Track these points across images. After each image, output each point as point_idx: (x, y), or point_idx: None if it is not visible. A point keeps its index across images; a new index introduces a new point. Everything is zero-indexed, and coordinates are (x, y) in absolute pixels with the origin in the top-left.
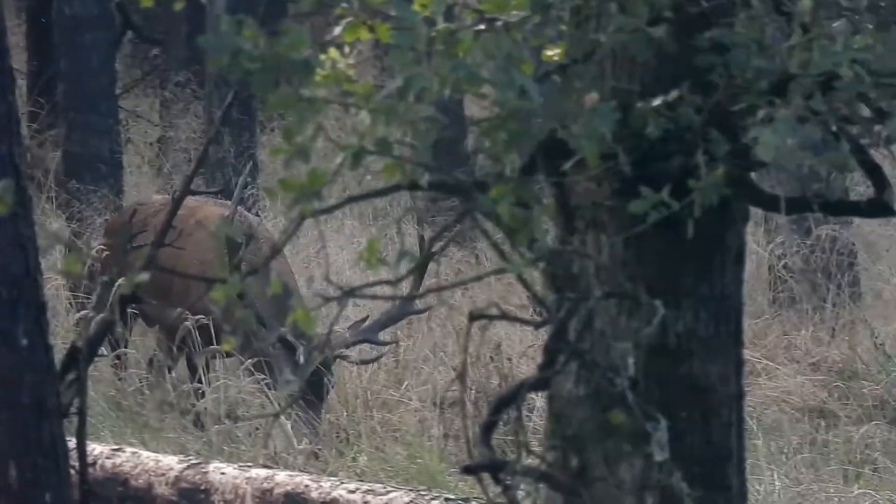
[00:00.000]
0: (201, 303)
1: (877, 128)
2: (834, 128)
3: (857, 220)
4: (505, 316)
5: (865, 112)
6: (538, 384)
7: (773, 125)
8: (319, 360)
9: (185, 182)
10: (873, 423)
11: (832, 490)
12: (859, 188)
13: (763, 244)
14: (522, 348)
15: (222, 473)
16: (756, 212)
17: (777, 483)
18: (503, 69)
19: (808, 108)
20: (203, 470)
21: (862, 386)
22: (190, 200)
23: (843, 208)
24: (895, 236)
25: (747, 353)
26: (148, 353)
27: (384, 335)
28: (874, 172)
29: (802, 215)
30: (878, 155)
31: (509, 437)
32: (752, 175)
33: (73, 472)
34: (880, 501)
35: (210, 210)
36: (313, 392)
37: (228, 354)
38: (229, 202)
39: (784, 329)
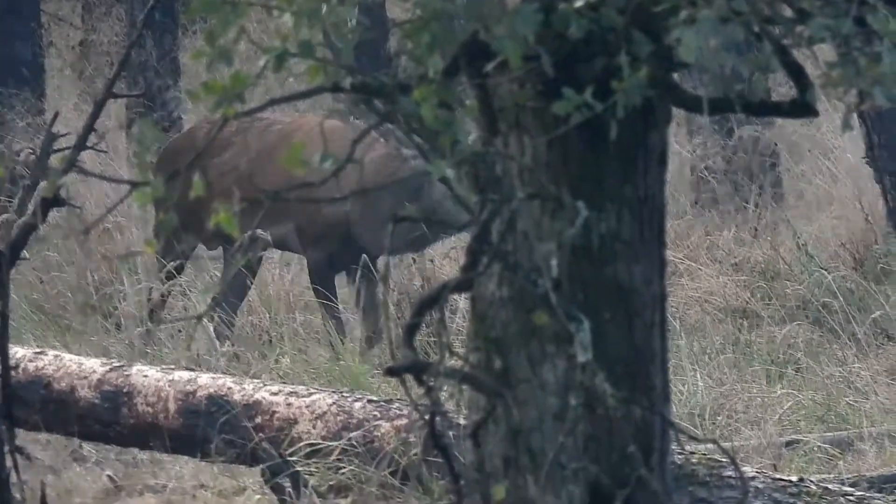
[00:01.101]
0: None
1: (799, 28)
2: (756, 28)
3: (779, 121)
4: (427, 218)
5: (788, 12)
6: (461, 285)
7: (695, 26)
8: (242, 262)
9: (106, 86)
10: (796, 323)
11: (755, 390)
12: (781, 89)
13: (685, 145)
14: (445, 249)
15: (145, 376)
16: (678, 113)
17: (700, 383)
18: None
19: (730, 9)
20: (126, 373)
21: (784, 286)
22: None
23: (765, 109)
24: (817, 137)
25: (670, 254)
26: (72, 257)
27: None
28: (797, 73)
29: (724, 116)
30: (801, 55)
31: (432, 339)
32: (675, 76)
33: None
34: (803, 401)
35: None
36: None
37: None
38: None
39: (706, 230)
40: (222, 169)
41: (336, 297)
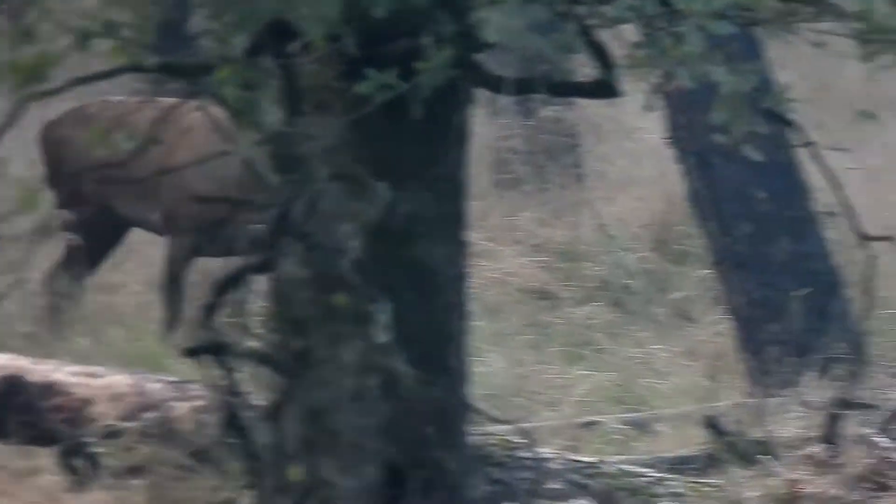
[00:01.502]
0: None
1: (603, 8)
2: (560, 8)
3: (581, 102)
4: (226, 198)
5: None
6: (262, 266)
7: (499, 6)
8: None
9: None
10: (595, 304)
11: (553, 371)
12: (584, 69)
13: (487, 125)
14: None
15: None
16: (480, 93)
17: (498, 364)
18: None
19: None
20: None
21: (584, 267)
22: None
23: (568, 89)
24: (619, 117)
25: (470, 235)
26: None
27: None
28: (600, 53)
29: (526, 96)
30: (605, 35)
31: (231, 320)
32: (478, 56)
33: None
34: (601, 382)
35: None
36: None
37: None
38: None
39: (507, 210)
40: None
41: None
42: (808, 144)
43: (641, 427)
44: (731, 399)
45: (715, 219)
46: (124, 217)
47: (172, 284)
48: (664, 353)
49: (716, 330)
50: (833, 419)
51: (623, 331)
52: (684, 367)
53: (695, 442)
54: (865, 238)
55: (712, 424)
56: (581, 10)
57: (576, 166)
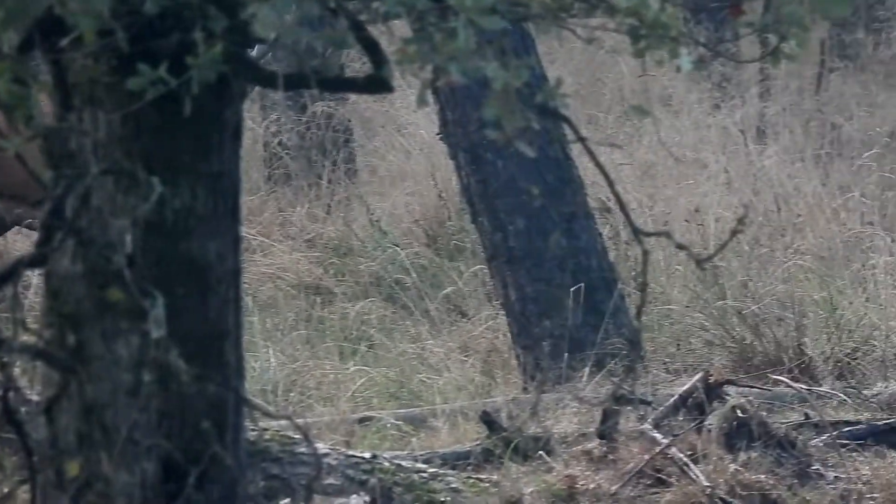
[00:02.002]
0: None
1: (375, 4)
2: (332, 4)
3: (353, 97)
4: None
5: None
6: (35, 261)
7: (271, 1)
8: None
9: None
10: (369, 299)
11: (328, 367)
12: (355, 64)
13: (259, 121)
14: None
15: None
16: (253, 88)
17: (273, 359)
18: None
19: None
20: None
21: (358, 262)
22: None
23: (340, 85)
24: (391, 113)
25: (244, 230)
26: None
27: None
28: (372, 49)
29: (299, 92)
30: (376, 31)
31: (5, 315)
32: (250, 51)
33: None
34: (376, 378)
35: None
36: None
37: None
38: None
39: (280, 206)
40: None
41: None
42: (580, 140)
43: (417, 422)
44: (507, 394)
45: (488, 214)
46: None
47: None
48: (439, 349)
49: (490, 325)
50: (609, 415)
51: (397, 326)
52: (459, 362)
53: (471, 437)
54: (639, 234)
55: (488, 420)
56: (352, 5)
57: (348, 161)
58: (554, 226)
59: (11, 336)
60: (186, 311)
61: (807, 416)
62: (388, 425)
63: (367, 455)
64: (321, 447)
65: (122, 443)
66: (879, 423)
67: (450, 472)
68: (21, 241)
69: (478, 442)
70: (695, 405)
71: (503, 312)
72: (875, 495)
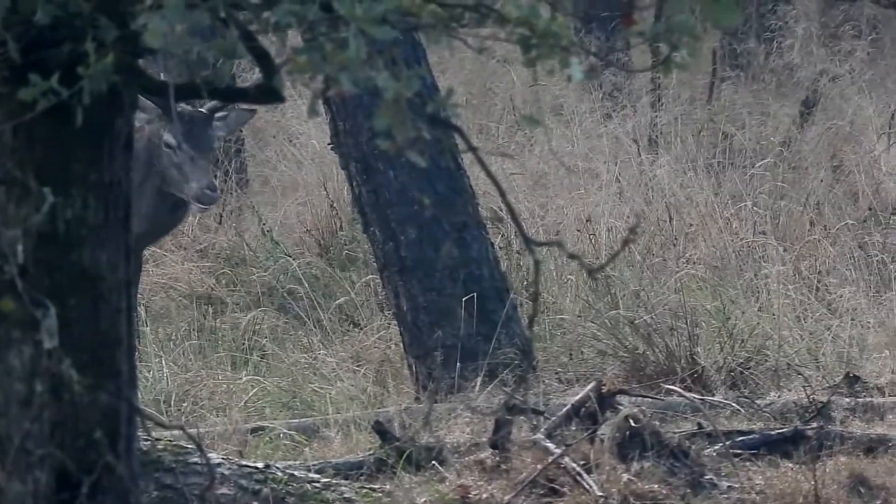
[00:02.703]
0: None
1: (266, 13)
2: (223, 13)
3: (243, 106)
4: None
5: None
6: None
7: (161, 11)
8: None
9: None
10: (261, 309)
11: (220, 376)
12: (246, 75)
13: None
14: None
15: None
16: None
17: (165, 369)
18: None
19: None
20: None
21: (250, 272)
22: None
23: (232, 95)
24: (282, 123)
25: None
26: None
27: None
28: (263, 59)
29: (189, 102)
30: (267, 41)
31: None
32: (141, 62)
33: None
34: (268, 387)
35: None
36: None
37: None
38: None
39: None
40: None
41: None
42: (472, 150)
43: (310, 432)
44: (399, 404)
45: (379, 224)
46: None
47: None
48: (331, 359)
49: (382, 335)
50: (502, 424)
51: (289, 336)
52: (351, 372)
53: (363, 447)
54: (531, 243)
55: (380, 430)
56: (243, 15)
57: (239, 171)
58: (445, 236)
59: None
60: (78, 321)
61: (700, 426)
62: (281, 435)
63: (260, 465)
64: (214, 457)
65: (14, 452)
66: (772, 432)
67: (342, 481)
68: None
69: (370, 452)
70: (587, 415)
71: (395, 322)
72: None
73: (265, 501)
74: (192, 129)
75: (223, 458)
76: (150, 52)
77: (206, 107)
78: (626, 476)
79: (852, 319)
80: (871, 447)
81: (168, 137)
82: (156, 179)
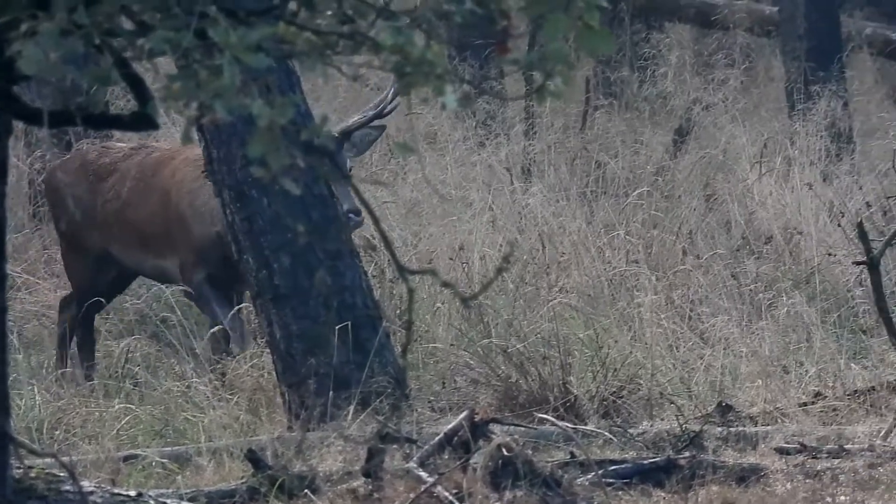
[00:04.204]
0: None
1: (140, 41)
2: (97, 41)
3: (118, 134)
4: None
5: (129, 25)
6: None
7: (36, 38)
8: None
9: None
10: (134, 337)
11: (93, 404)
12: (120, 102)
13: (24, 158)
14: None
15: None
16: (17, 125)
17: (38, 397)
18: None
19: (71, 21)
20: None
21: (123, 300)
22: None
23: (105, 121)
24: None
25: (9, 268)
26: None
27: None
28: (137, 86)
29: (63, 129)
30: (142, 68)
31: None
32: (15, 88)
33: None
34: (141, 415)
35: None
36: None
37: None
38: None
39: (44, 243)
40: (107, 196)
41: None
42: (346, 177)
43: (182, 460)
44: (272, 433)
45: (253, 252)
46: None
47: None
48: (204, 387)
49: (255, 363)
50: (374, 453)
51: (162, 364)
52: (224, 400)
53: (236, 476)
54: (405, 271)
55: (253, 458)
56: (117, 42)
57: None
58: (319, 263)
59: None
60: None
61: (572, 455)
62: (154, 463)
63: (133, 493)
64: (86, 485)
65: None
66: (645, 461)
67: None
68: None
69: (243, 480)
70: (460, 443)
71: (268, 350)
72: None
73: None
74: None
75: (95, 487)
76: (24, 79)
77: (336, 129)
78: None
79: (725, 349)
80: (744, 476)
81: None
82: None
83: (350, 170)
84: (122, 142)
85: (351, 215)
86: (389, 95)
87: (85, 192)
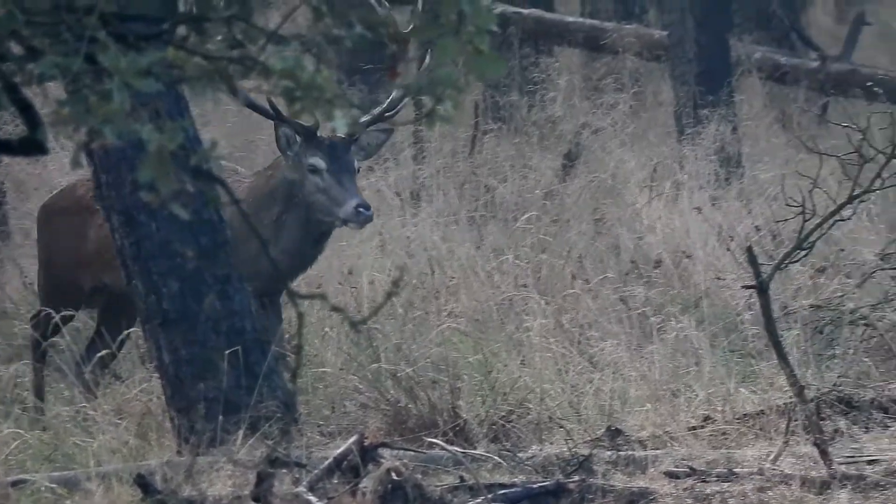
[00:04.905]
0: None
1: (30, 66)
2: None
3: (6, 159)
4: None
5: (18, 50)
6: None
7: None
8: None
9: None
10: (23, 361)
11: None
12: (8, 127)
13: None
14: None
15: None
16: None
17: None
18: None
19: None
20: None
21: (11, 325)
22: None
23: None
24: (44, 175)
25: None
26: None
27: None
28: (26, 110)
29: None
30: (31, 92)
31: None
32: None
33: None
34: (29, 440)
35: None
36: None
37: None
38: None
39: None
40: (102, 231)
41: None
42: (235, 202)
43: (71, 485)
44: (161, 457)
45: (142, 276)
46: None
47: None
48: (93, 412)
49: (145, 388)
50: (264, 477)
51: (51, 389)
52: (113, 425)
53: (125, 500)
54: (294, 296)
55: (143, 483)
56: (6, 66)
57: (1, 224)
58: (208, 288)
59: None
60: None
61: (462, 479)
62: (43, 488)
63: None
64: None
65: None
66: (535, 485)
67: None
68: None
69: None
70: (350, 468)
71: (157, 375)
72: None
73: None
74: (335, 153)
75: None
76: None
77: (343, 132)
78: None
79: (614, 372)
80: (633, 500)
81: (314, 161)
82: (299, 211)
83: (358, 171)
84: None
85: (361, 209)
86: (396, 97)
87: (79, 226)
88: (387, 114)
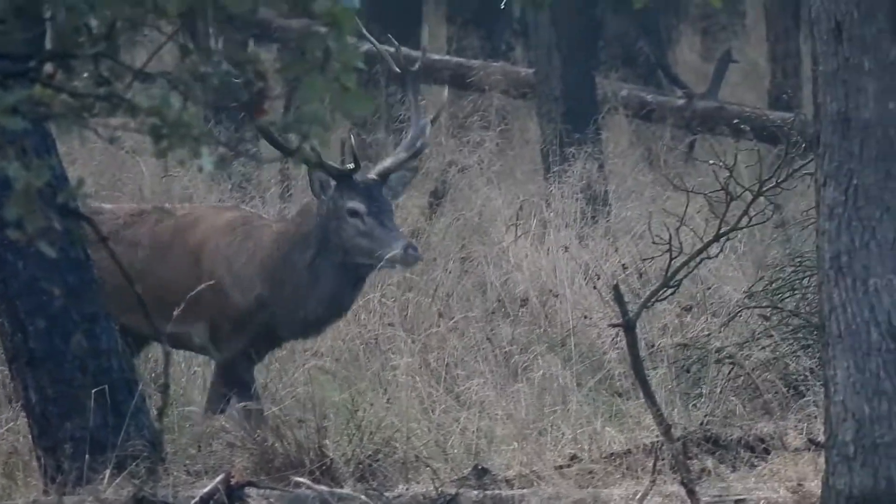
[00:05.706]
0: None
1: None
2: None
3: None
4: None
5: None
6: None
7: None
8: None
9: None
10: None
11: None
12: None
13: None
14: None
15: None
16: None
17: None
18: None
19: None
20: None
21: None
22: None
23: None
24: None
25: None
26: None
27: None
28: None
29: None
30: None
31: None
32: None
33: None
34: None
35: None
36: None
37: None
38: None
39: None
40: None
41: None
42: (102, 240)
43: None
44: (28, 497)
45: (8, 315)
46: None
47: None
48: None
49: (11, 427)
50: None
51: None
52: None
53: None
54: (162, 334)
55: None
56: None
57: None
58: (75, 327)
59: None
60: None
61: None
62: None
63: None
64: None
65: None
66: None
67: None
68: None
69: None
70: None
71: (24, 414)
72: None
73: None
74: (372, 195)
75: None
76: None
77: (373, 173)
78: None
79: (480, 411)
80: None
81: (353, 205)
82: (334, 255)
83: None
84: (106, 202)
85: (411, 250)
86: (421, 133)
87: None
88: (413, 155)
